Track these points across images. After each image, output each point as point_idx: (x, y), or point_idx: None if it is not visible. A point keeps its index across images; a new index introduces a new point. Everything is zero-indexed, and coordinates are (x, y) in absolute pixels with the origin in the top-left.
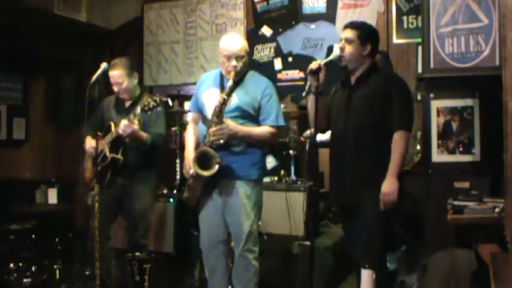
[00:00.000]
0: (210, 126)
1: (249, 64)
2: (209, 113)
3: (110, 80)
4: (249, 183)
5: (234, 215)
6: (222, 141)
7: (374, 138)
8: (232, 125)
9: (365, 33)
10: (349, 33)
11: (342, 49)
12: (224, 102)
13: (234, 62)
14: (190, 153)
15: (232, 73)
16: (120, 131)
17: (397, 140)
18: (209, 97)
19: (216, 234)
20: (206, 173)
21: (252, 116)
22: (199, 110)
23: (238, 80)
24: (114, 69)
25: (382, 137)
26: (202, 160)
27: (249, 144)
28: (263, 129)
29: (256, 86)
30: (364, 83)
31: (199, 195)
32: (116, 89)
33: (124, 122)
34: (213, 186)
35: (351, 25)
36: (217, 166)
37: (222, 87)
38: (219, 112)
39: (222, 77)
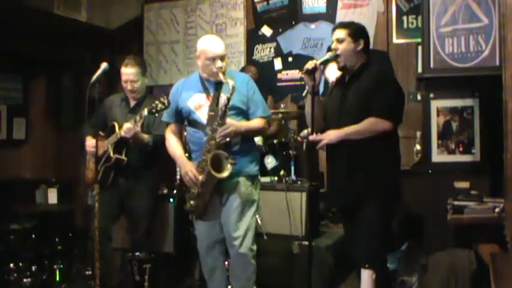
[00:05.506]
0: (212, 128)
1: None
2: (202, 118)
3: (123, 77)
4: (249, 178)
5: (232, 212)
6: (228, 139)
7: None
8: (235, 122)
9: (354, 30)
10: (339, 33)
11: (335, 49)
12: (228, 103)
13: (219, 63)
14: (184, 160)
15: (220, 74)
16: (123, 133)
17: (367, 121)
18: (196, 103)
19: (214, 235)
20: (223, 174)
21: (243, 111)
22: (179, 120)
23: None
24: (130, 67)
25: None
26: (215, 163)
27: (244, 140)
28: (258, 122)
29: (240, 82)
30: (356, 81)
31: (208, 200)
32: (129, 87)
33: (127, 125)
34: (214, 187)
35: (340, 25)
36: (230, 166)
37: (206, 91)
38: (224, 113)
39: (202, 80)
